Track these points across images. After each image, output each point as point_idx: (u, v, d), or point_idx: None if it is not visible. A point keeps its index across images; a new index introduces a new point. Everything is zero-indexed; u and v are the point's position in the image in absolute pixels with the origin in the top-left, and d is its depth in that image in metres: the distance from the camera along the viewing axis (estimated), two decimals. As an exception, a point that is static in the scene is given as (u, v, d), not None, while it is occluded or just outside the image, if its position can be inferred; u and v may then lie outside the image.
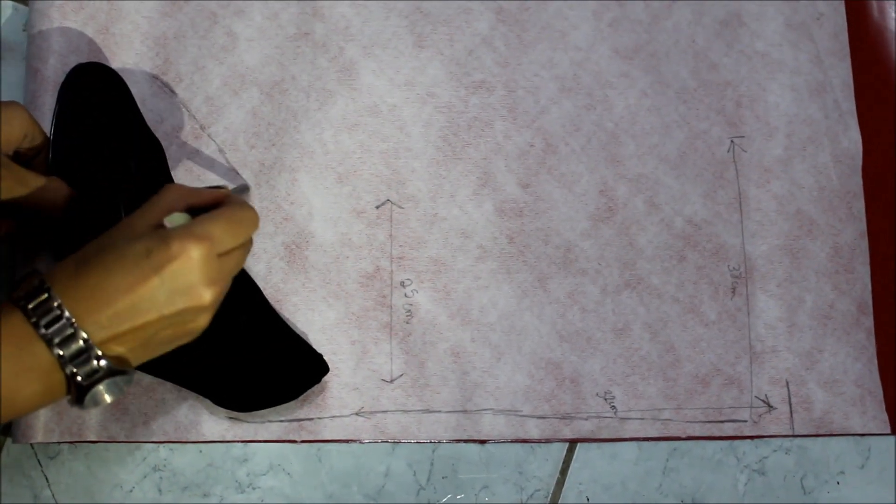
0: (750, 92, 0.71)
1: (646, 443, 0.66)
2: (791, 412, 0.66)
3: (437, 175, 0.67)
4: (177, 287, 0.45)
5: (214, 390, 0.59)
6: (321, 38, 0.67)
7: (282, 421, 0.62)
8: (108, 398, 0.45)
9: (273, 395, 0.60)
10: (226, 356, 0.58)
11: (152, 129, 0.63)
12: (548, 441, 0.65)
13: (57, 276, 0.44)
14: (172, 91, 0.66)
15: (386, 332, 0.64)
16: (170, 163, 0.64)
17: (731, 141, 0.70)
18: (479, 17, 0.69)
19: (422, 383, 0.64)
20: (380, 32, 0.68)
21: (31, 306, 0.43)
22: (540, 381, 0.65)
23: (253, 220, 0.49)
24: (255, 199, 0.64)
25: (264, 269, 0.64)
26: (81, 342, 0.43)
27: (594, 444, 0.65)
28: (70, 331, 0.43)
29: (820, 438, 0.67)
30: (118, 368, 0.45)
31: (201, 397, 0.61)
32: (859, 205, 0.70)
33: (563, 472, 0.65)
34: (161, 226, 0.47)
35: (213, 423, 0.62)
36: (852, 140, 0.71)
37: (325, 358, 0.62)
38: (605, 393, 0.65)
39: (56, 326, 0.43)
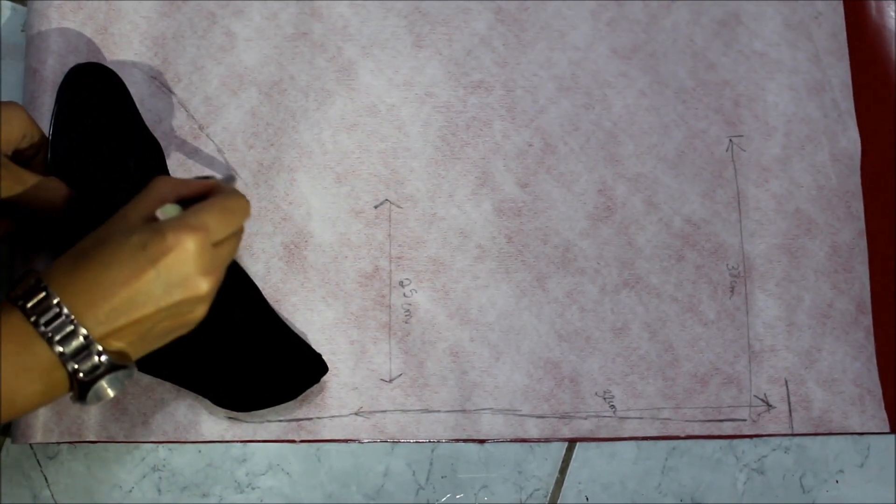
0: (748, 91, 0.71)
1: (645, 442, 0.66)
2: (790, 411, 0.66)
3: (436, 175, 0.67)
4: (173, 278, 0.45)
5: (213, 390, 0.59)
6: (319, 38, 0.67)
7: (281, 421, 0.62)
8: (110, 393, 0.45)
9: (272, 395, 0.60)
10: (225, 356, 0.58)
11: (151, 129, 0.63)
12: (547, 440, 0.65)
13: (53, 274, 0.44)
14: (171, 91, 0.66)
15: (385, 332, 0.64)
16: (168, 163, 0.64)
17: (730, 140, 0.70)
18: (477, 16, 0.69)
19: (421, 383, 0.64)
20: (378, 32, 0.68)
21: (29, 305, 0.43)
22: (539, 380, 0.65)
23: (244, 208, 0.49)
24: (254, 199, 0.64)
25: (263, 269, 0.64)
26: (81, 338, 0.43)
27: (593, 444, 0.65)
28: (70, 328, 0.43)
29: (819, 437, 0.67)
30: (119, 363, 0.45)
31: (200, 397, 0.61)
32: (858, 204, 0.70)
33: (563, 471, 0.65)
34: (154, 218, 0.47)
35: (212, 423, 0.62)
36: (851, 139, 0.71)
37: (324, 358, 0.62)
38: (604, 392, 0.65)
39: (55, 324, 0.43)
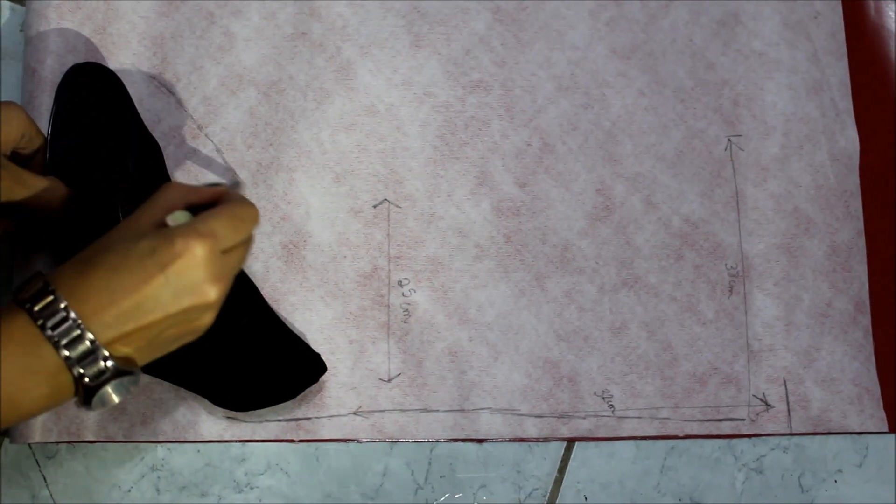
0: (747, 91, 0.71)
1: (644, 441, 0.66)
2: (789, 410, 0.66)
3: (435, 174, 0.67)
4: (182, 285, 0.44)
5: (212, 390, 0.59)
6: (318, 37, 0.67)
7: (280, 420, 0.62)
8: (115, 398, 0.45)
9: (271, 395, 0.60)
10: (223, 356, 0.58)
11: (150, 129, 0.63)
12: (546, 440, 0.65)
13: (61, 278, 0.44)
14: (170, 91, 0.66)
15: (383, 332, 0.64)
16: (167, 163, 0.64)
17: (729, 140, 0.70)
18: (476, 16, 0.69)
19: (419, 382, 0.64)
20: (377, 32, 0.68)
21: (37, 308, 0.43)
22: (537, 380, 0.65)
23: (254, 216, 0.49)
24: (253, 199, 0.64)
25: (262, 269, 0.64)
26: (88, 343, 0.43)
27: (592, 443, 0.65)
28: (77, 332, 0.43)
29: (818, 437, 0.67)
30: (125, 369, 0.45)
31: (199, 397, 0.61)
32: (856, 203, 0.70)
33: (561, 470, 0.65)
34: (163, 224, 0.47)
35: (211, 422, 0.62)
36: (849, 139, 0.71)
37: (322, 357, 0.62)
38: (603, 392, 0.65)
39: (62, 328, 0.43)
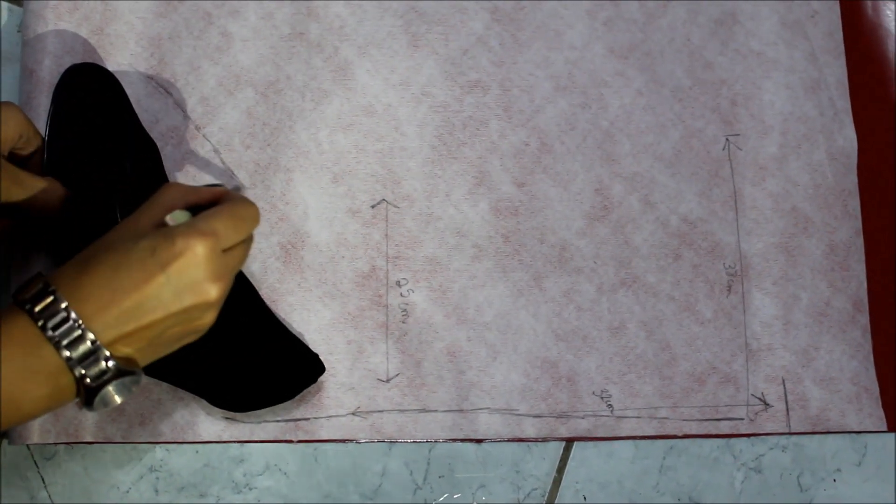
0: (745, 90, 0.71)
1: (642, 441, 0.66)
2: (787, 410, 0.66)
3: (433, 174, 0.67)
4: (183, 284, 0.44)
5: (211, 390, 0.59)
6: (316, 37, 0.67)
7: (278, 421, 0.62)
8: (117, 399, 0.45)
9: (269, 396, 0.60)
10: (222, 356, 0.58)
11: (147, 129, 0.63)
12: (544, 440, 0.65)
13: (61, 278, 0.44)
14: (167, 91, 0.66)
15: (382, 332, 0.64)
16: (165, 163, 0.64)
17: (727, 139, 0.70)
18: (473, 16, 0.69)
19: (418, 383, 0.64)
20: (375, 32, 0.68)
21: (37, 309, 0.43)
22: (536, 379, 0.65)
23: (254, 215, 0.49)
24: (251, 199, 0.64)
25: (260, 269, 0.64)
26: (89, 343, 0.43)
27: (591, 443, 0.65)
28: (78, 332, 0.43)
29: (816, 436, 0.67)
30: (126, 369, 0.45)
31: (198, 398, 0.61)
32: (855, 202, 0.70)
33: (560, 470, 0.65)
34: (163, 224, 0.47)
35: (209, 423, 0.62)
36: (847, 138, 0.71)
37: (321, 358, 0.62)
38: (602, 391, 0.65)
39: (63, 328, 0.43)
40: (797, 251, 0.69)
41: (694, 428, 0.65)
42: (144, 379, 0.61)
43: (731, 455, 0.66)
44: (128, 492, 0.62)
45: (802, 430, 0.66)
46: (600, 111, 0.69)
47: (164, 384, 0.61)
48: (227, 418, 0.62)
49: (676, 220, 0.68)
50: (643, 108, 0.69)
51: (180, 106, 0.65)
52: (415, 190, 0.66)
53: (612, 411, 0.65)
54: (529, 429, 0.64)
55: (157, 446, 0.63)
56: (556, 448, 0.65)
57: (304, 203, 0.65)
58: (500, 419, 0.64)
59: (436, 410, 0.64)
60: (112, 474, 0.62)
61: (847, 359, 0.67)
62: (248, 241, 0.50)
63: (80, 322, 0.43)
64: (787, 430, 0.66)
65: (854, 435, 0.68)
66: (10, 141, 0.53)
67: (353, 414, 0.63)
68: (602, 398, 0.65)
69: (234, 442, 0.63)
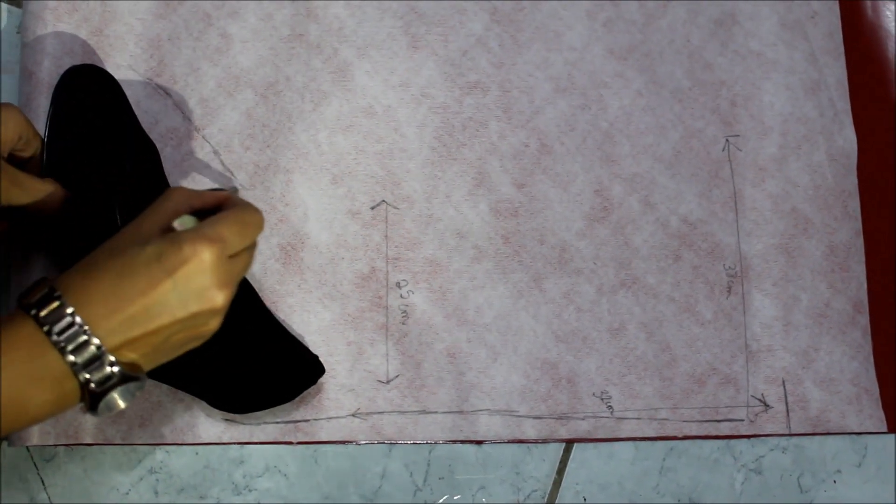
0: (745, 91, 0.71)
1: (642, 442, 0.66)
2: (787, 411, 0.66)
3: (433, 175, 0.67)
4: (189, 290, 0.44)
5: (211, 392, 0.59)
6: (315, 39, 0.67)
7: (278, 422, 0.62)
8: (121, 404, 0.45)
9: (269, 397, 0.60)
10: (222, 358, 0.58)
11: (146, 131, 0.63)
12: (544, 441, 0.65)
13: (67, 283, 0.44)
14: (167, 93, 0.66)
15: (382, 334, 0.64)
16: (164, 164, 0.64)
17: (727, 140, 0.70)
18: (473, 17, 0.69)
19: (418, 384, 0.64)
20: (374, 33, 0.68)
21: (43, 313, 0.43)
22: (536, 381, 0.65)
23: (259, 221, 0.49)
24: (250, 201, 0.64)
25: (260, 271, 0.64)
26: (94, 348, 0.43)
27: (591, 444, 0.65)
28: (83, 337, 0.43)
29: (816, 437, 0.67)
30: (131, 374, 0.45)
31: (197, 399, 0.61)
32: (855, 203, 0.70)
33: (560, 472, 0.65)
34: (169, 229, 0.47)
35: (209, 425, 0.62)
36: (847, 139, 0.71)
37: (320, 359, 0.62)
38: (602, 393, 0.65)
39: (68, 333, 0.42)
40: (797, 252, 0.69)
41: (694, 429, 0.65)
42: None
43: (732, 456, 0.66)
44: (128, 493, 0.62)
45: (803, 432, 0.66)
46: (600, 112, 0.69)
47: (164, 386, 0.61)
48: (226, 420, 0.62)
49: (676, 221, 0.68)
50: (643, 109, 0.69)
51: (180, 107, 0.65)
52: (414, 191, 0.66)
53: (612, 412, 0.65)
54: (529, 430, 0.64)
55: (157, 448, 0.63)
56: (557, 449, 0.65)
57: (303, 204, 0.65)
58: (500, 420, 0.64)
59: (436, 412, 0.64)
60: (112, 476, 0.62)
61: (847, 360, 0.67)
62: (252, 246, 0.50)
63: (86, 327, 0.43)
64: (787, 432, 0.66)
65: (854, 436, 0.68)
66: (9, 142, 0.53)
67: (352, 415, 0.63)
68: (602, 399, 0.65)
69: (234, 443, 0.63)
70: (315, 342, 0.63)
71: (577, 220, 0.67)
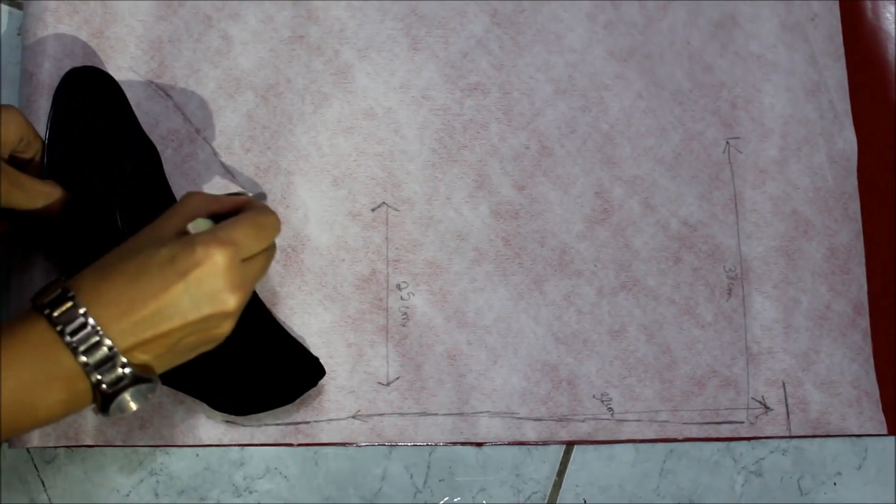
0: (745, 93, 0.71)
1: (643, 444, 0.66)
2: (788, 413, 0.66)
3: (433, 177, 0.67)
4: (202, 293, 0.44)
5: (211, 394, 0.59)
6: (316, 41, 0.67)
7: (278, 424, 0.62)
8: (133, 406, 0.45)
9: (269, 399, 0.60)
10: (222, 360, 0.58)
11: (147, 132, 0.63)
12: (545, 443, 0.65)
13: (80, 284, 0.44)
14: (167, 95, 0.66)
15: (382, 335, 0.64)
16: (165, 166, 0.63)
17: (727, 142, 0.70)
18: (473, 19, 0.69)
19: (418, 386, 0.64)
20: (375, 35, 0.68)
21: (56, 314, 0.43)
22: (536, 383, 0.65)
23: (275, 224, 0.49)
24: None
25: (260, 273, 0.64)
26: (106, 349, 0.43)
27: (591, 446, 0.65)
28: (95, 338, 0.43)
29: (817, 439, 0.67)
30: (143, 376, 0.45)
31: (198, 401, 0.61)
32: (855, 205, 0.70)
33: (560, 474, 0.65)
34: (184, 232, 0.47)
35: (209, 426, 0.62)
36: (847, 141, 0.71)
37: (321, 361, 0.61)
38: (602, 395, 0.65)
39: (81, 334, 0.43)
40: (797, 254, 0.69)
41: (694, 431, 0.65)
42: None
43: (732, 458, 0.66)
44: (128, 495, 0.62)
45: (803, 434, 0.66)
46: (600, 114, 0.69)
47: (165, 388, 0.61)
48: (227, 422, 0.62)
49: (677, 224, 0.68)
50: (643, 111, 0.69)
51: (180, 109, 0.65)
52: (415, 193, 0.66)
53: (612, 415, 0.65)
54: (530, 432, 0.64)
55: (158, 450, 0.63)
56: (557, 451, 0.65)
57: (304, 206, 0.65)
58: (501, 422, 0.64)
59: (436, 414, 0.64)
60: (112, 478, 0.62)
61: (847, 362, 0.67)
62: (270, 249, 0.50)
63: (99, 328, 0.43)
64: (787, 434, 0.66)
65: (854, 438, 0.68)
66: (10, 144, 0.53)
67: (353, 417, 0.63)
68: (602, 401, 0.65)
69: (235, 445, 0.62)
70: (315, 344, 0.63)
71: (578, 222, 0.67)
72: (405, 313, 0.65)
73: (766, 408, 0.66)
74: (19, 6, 0.67)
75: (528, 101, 0.68)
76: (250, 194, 0.58)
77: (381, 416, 0.63)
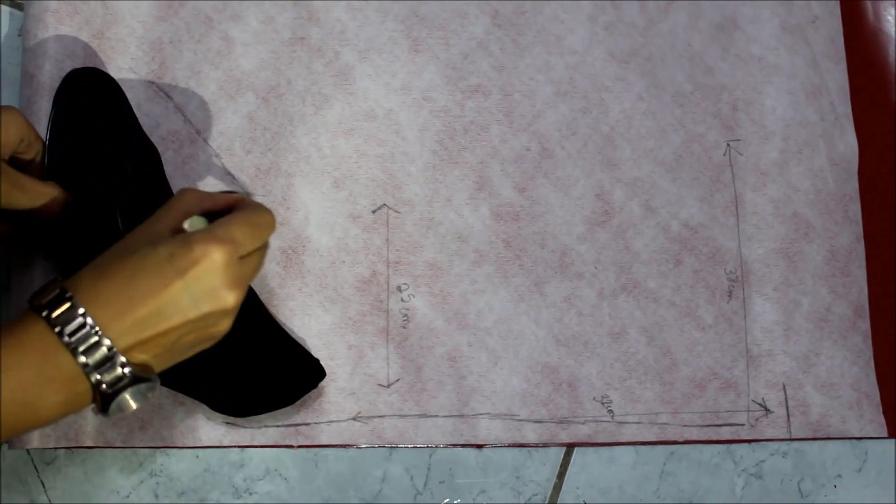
0: (746, 95, 0.71)
1: (643, 447, 0.66)
2: (788, 416, 0.66)
3: (434, 179, 0.66)
4: (200, 291, 0.44)
5: (211, 396, 0.59)
6: (317, 42, 0.67)
7: (278, 426, 0.62)
8: (133, 405, 0.45)
9: (270, 400, 0.60)
10: (223, 361, 0.58)
11: (148, 134, 0.63)
12: (545, 445, 0.65)
13: (78, 284, 0.44)
14: (168, 96, 0.66)
15: (383, 337, 0.64)
16: (166, 168, 0.63)
17: (728, 144, 0.70)
18: (474, 21, 0.69)
19: (419, 388, 0.64)
20: (375, 37, 0.68)
21: (54, 315, 0.43)
22: (537, 385, 0.65)
23: (270, 222, 0.49)
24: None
25: (260, 274, 0.64)
26: (105, 349, 0.43)
27: (591, 448, 0.65)
28: (94, 338, 0.43)
29: (817, 442, 0.67)
30: (142, 375, 0.45)
31: (198, 402, 0.61)
32: (855, 208, 0.70)
33: (561, 476, 0.65)
34: (180, 230, 0.47)
35: (209, 428, 0.62)
36: (848, 143, 0.71)
37: (321, 363, 0.61)
38: (602, 397, 0.65)
39: (80, 334, 0.43)
40: (798, 257, 0.69)
41: (694, 434, 0.65)
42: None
43: (732, 461, 0.66)
44: (128, 496, 0.62)
45: (803, 436, 0.66)
46: (601, 116, 0.69)
47: (165, 389, 0.61)
48: (227, 423, 0.62)
49: (677, 226, 0.68)
50: (644, 113, 0.69)
51: (181, 110, 0.65)
52: (416, 195, 0.66)
53: (612, 417, 0.65)
54: (530, 434, 0.64)
55: (158, 451, 0.63)
56: (557, 453, 0.65)
57: (304, 208, 0.65)
58: (501, 424, 0.64)
59: (436, 415, 0.64)
60: (112, 479, 0.62)
61: (848, 365, 0.67)
62: (263, 247, 0.50)
63: (97, 328, 0.43)
64: (787, 436, 0.66)
65: (854, 441, 0.68)
66: (11, 145, 0.53)
67: (353, 419, 0.63)
68: (603, 404, 0.65)
69: (235, 447, 0.62)
70: (316, 345, 0.63)
71: (578, 224, 0.67)
72: (406, 315, 0.65)
73: (767, 410, 0.66)
74: (20, 7, 0.67)
75: (529, 103, 0.68)
76: (237, 191, 0.58)
77: (381, 417, 0.63)
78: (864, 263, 0.70)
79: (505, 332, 0.65)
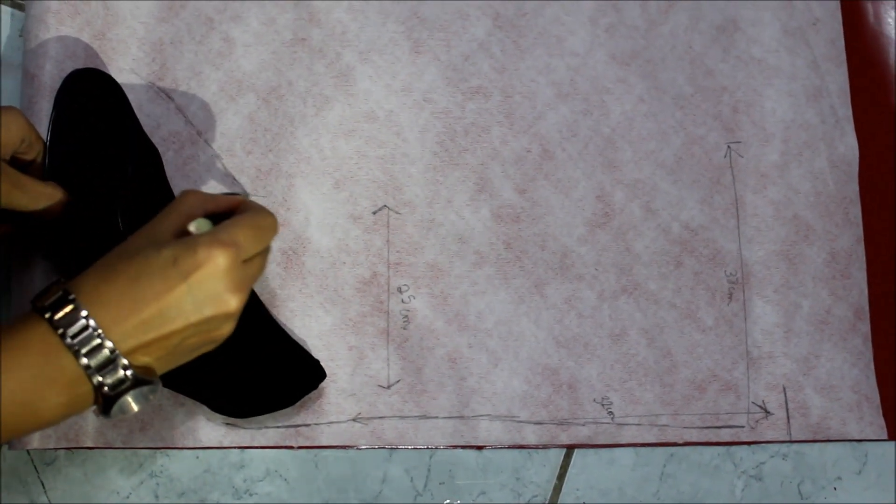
0: (746, 97, 0.71)
1: (643, 448, 0.66)
2: (788, 418, 0.66)
3: (434, 181, 0.67)
4: (204, 295, 0.44)
5: (211, 396, 0.59)
6: (318, 43, 0.67)
7: (279, 427, 0.62)
8: (135, 407, 0.45)
9: (270, 401, 0.60)
10: (223, 362, 0.58)
11: (149, 134, 0.63)
12: (545, 447, 0.65)
13: (81, 286, 0.44)
14: (169, 97, 0.66)
15: (383, 338, 0.64)
16: (166, 168, 0.63)
17: (728, 146, 0.70)
18: (475, 22, 0.69)
19: (419, 389, 0.64)
20: (376, 38, 0.68)
21: (57, 317, 0.43)
22: (537, 386, 0.65)
23: (274, 225, 0.49)
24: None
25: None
26: (108, 351, 0.43)
27: (591, 450, 0.65)
28: (97, 340, 0.43)
29: (817, 444, 0.67)
30: (144, 377, 0.45)
31: (198, 403, 0.61)
32: (856, 210, 0.70)
33: (561, 477, 0.65)
34: (184, 232, 0.47)
35: (209, 429, 0.62)
36: (849, 145, 0.71)
37: (321, 364, 0.61)
38: (603, 399, 0.65)
39: (82, 336, 0.43)
40: (798, 259, 0.69)
41: (694, 435, 0.65)
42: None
43: (732, 463, 0.66)
44: (128, 497, 0.62)
45: (803, 438, 0.66)
46: (602, 118, 0.69)
47: (165, 390, 0.61)
48: (227, 424, 0.62)
49: (678, 228, 0.68)
50: (645, 115, 0.69)
51: (182, 111, 0.65)
52: (416, 196, 0.66)
53: (612, 418, 0.65)
54: (530, 435, 0.64)
55: (158, 452, 0.63)
56: (557, 455, 0.65)
57: (305, 209, 0.65)
58: (501, 426, 0.64)
59: (436, 417, 0.64)
60: (112, 480, 0.62)
61: (848, 367, 0.67)
62: (266, 251, 0.50)
63: (100, 330, 0.43)
64: (787, 438, 0.66)
65: (855, 443, 0.68)
66: (12, 146, 0.53)
67: (353, 420, 0.63)
68: (603, 405, 0.65)
69: (235, 448, 0.62)
70: (316, 346, 0.63)
71: (579, 225, 0.67)
72: (406, 316, 0.65)
73: (767, 412, 0.66)
74: (21, 8, 0.67)
75: (530, 105, 0.68)
76: (238, 193, 0.58)
77: (381, 418, 0.63)
78: (864, 266, 0.70)
79: (505, 334, 0.65)
